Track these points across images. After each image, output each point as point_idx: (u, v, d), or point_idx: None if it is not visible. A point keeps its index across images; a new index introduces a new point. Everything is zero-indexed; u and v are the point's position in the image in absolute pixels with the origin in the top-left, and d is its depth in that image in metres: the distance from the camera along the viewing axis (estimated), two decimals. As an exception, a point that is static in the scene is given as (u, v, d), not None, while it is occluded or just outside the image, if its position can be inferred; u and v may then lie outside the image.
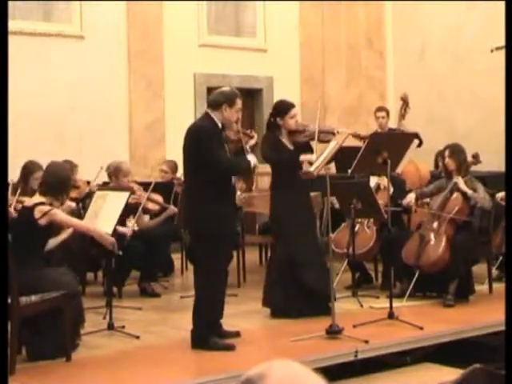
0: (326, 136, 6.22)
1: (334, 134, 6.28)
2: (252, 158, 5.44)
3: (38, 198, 5.27)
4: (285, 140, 6.23)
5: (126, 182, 7.33)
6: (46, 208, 5.16)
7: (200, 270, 5.37)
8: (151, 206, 7.41)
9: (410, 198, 6.89)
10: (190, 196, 5.41)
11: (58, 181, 5.35)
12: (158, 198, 7.49)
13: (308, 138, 6.23)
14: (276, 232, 6.44)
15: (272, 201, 6.31)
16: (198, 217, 5.27)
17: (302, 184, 6.10)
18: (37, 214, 5.13)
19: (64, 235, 5.65)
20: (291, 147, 6.22)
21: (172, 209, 7.43)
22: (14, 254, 4.70)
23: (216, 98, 5.35)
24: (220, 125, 5.29)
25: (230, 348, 5.18)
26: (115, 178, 7.33)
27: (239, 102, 5.34)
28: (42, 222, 5.13)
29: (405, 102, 8.43)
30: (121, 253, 5.81)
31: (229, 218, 5.36)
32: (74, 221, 5.50)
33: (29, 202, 5.34)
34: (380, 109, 8.70)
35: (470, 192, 6.63)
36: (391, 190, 6.65)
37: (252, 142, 5.68)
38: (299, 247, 6.09)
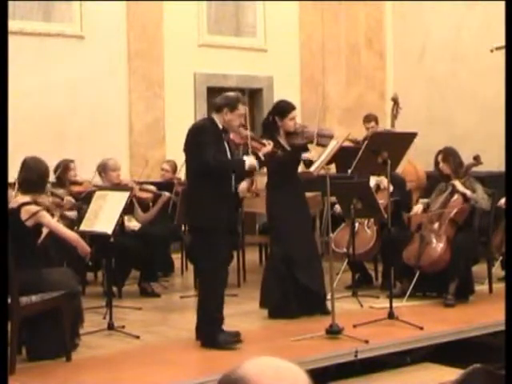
0: (324, 140, 6.18)
1: (332, 138, 6.25)
2: (248, 159, 5.39)
3: (22, 198, 5.11)
4: (282, 141, 6.17)
5: (115, 176, 7.29)
6: (33, 209, 5.04)
7: (199, 268, 5.38)
8: (144, 195, 7.42)
9: (418, 208, 6.87)
10: (190, 192, 5.44)
11: (38, 176, 5.21)
12: (150, 187, 7.51)
13: (306, 140, 6.21)
14: (272, 231, 6.44)
15: (268, 200, 6.30)
16: (195, 211, 5.30)
17: (297, 184, 6.10)
18: (23, 215, 5.00)
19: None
20: (288, 148, 6.18)
21: (166, 194, 7.43)
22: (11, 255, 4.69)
23: (218, 102, 5.35)
24: (221, 127, 5.29)
25: (237, 343, 5.20)
26: (104, 174, 7.32)
27: (242, 108, 5.32)
28: (29, 223, 5.03)
29: (395, 102, 8.43)
30: (90, 263, 5.86)
31: (224, 215, 5.29)
32: (55, 225, 5.26)
33: (13, 202, 5.11)
34: (367, 119, 8.53)
35: (468, 193, 6.65)
36: (391, 188, 6.64)
37: (265, 150, 5.59)
38: (294, 246, 6.08)
